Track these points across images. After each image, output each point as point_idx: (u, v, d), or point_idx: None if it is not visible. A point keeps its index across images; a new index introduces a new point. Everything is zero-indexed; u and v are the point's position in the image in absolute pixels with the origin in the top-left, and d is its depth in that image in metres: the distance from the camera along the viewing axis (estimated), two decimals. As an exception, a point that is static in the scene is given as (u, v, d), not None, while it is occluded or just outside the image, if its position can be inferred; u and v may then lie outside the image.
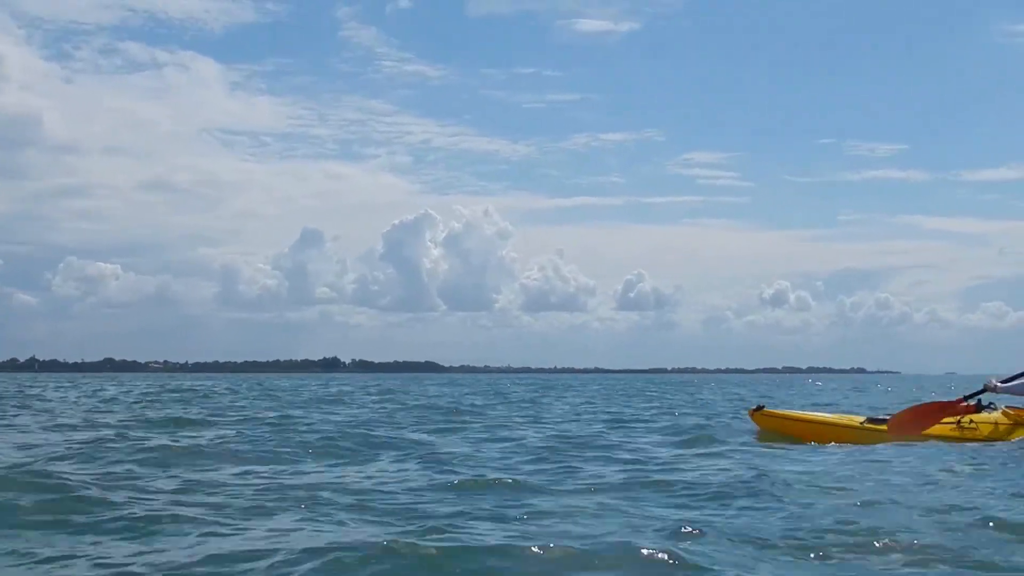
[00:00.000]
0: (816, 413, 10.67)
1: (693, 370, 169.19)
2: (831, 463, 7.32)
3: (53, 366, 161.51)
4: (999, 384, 8.85)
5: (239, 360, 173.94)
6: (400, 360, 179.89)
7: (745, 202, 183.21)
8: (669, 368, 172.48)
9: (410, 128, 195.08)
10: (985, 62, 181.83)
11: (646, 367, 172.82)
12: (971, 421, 8.74)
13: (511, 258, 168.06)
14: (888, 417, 9.39)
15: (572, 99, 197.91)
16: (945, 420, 8.85)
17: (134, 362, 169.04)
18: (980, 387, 9.12)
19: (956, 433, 8.68)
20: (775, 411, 10.06)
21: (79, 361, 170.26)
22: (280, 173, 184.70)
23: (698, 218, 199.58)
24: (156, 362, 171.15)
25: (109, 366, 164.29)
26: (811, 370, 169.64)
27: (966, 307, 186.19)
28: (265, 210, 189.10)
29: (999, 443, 8.43)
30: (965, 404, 8.99)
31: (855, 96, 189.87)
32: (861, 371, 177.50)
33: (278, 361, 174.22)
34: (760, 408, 9.95)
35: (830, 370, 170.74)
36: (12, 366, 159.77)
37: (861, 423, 9.27)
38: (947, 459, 7.41)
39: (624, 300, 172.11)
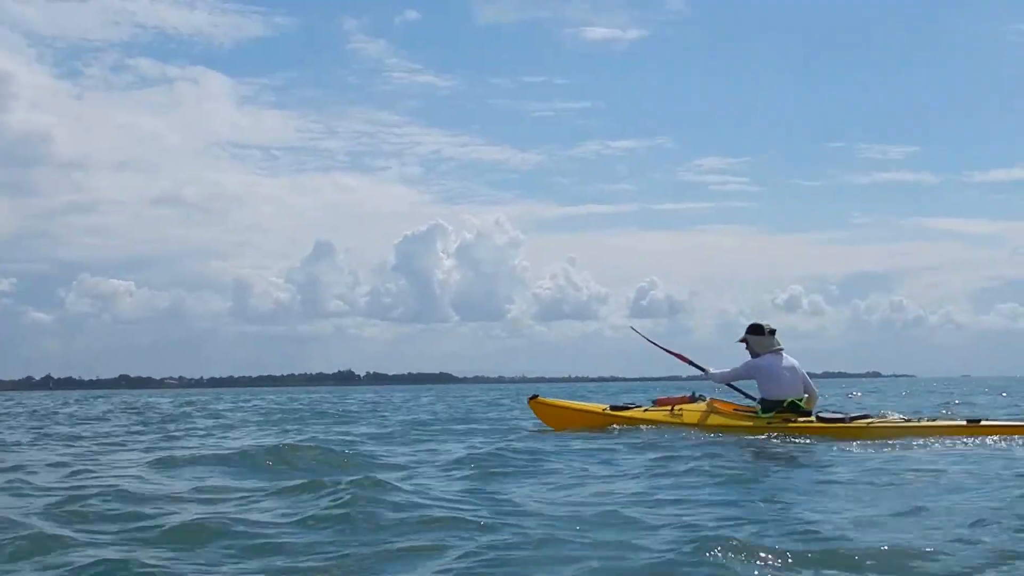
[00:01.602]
0: (580, 403, 11.60)
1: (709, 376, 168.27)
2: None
3: (68, 384, 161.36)
4: (715, 372, 9.93)
5: (254, 375, 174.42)
6: (414, 372, 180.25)
7: (756, 207, 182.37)
8: (684, 376, 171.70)
9: (420, 139, 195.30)
10: (995, 61, 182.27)
11: (661, 375, 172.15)
12: (680, 409, 9.76)
13: (523, 267, 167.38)
14: (629, 405, 10.62)
15: (581, 107, 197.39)
16: (663, 408, 10.00)
17: (149, 378, 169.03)
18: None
19: (667, 418, 9.75)
20: (546, 399, 11.21)
21: (94, 379, 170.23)
22: (290, 186, 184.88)
23: (710, 224, 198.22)
24: (171, 378, 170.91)
25: (124, 383, 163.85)
26: (826, 375, 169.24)
27: (980, 308, 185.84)
28: (276, 223, 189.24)
29: (690, 428, 9.48)
30: (682, 396, 10.11)
31: (864, 98, 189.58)
32: (877, 375, 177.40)
33: (293, 375, 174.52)
34: (535, 397, 11.20)
35: (845, 375, 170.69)
36: (27, 384, 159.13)
37: (603, 410, 10.39)
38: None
39: (637, 307, 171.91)
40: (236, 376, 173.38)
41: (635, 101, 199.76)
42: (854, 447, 7.92)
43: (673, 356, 10.35)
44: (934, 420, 9.35)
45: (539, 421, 11.04)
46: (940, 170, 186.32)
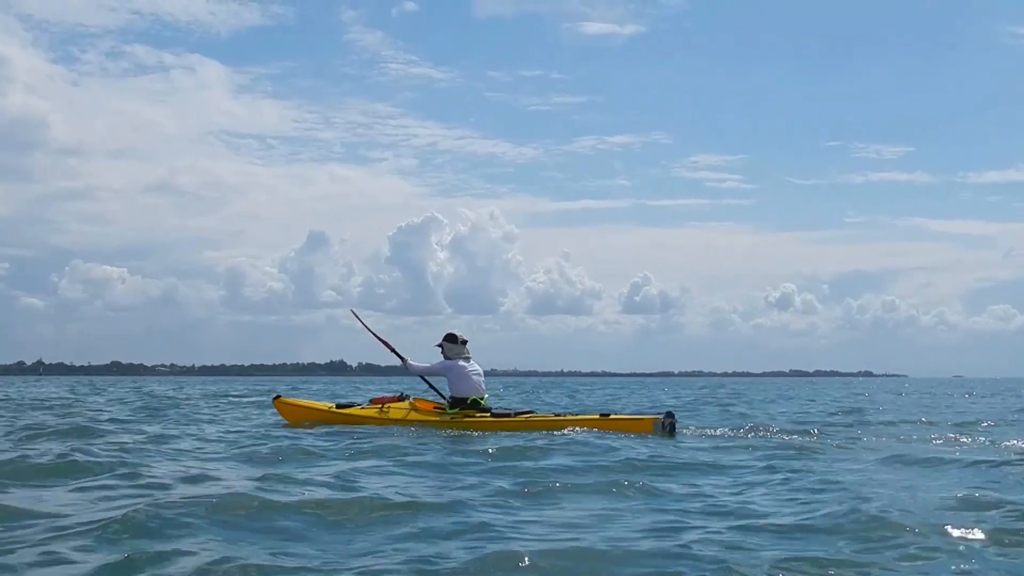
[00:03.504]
0: (312, 402, 12.95)
1: (700, 373, 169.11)
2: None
3: (59, 369, 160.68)
4: (413, 364, 11.47)
5: (245, 363, 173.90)
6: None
7: (751, 205, 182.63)
8: (676, 371, 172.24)
9: (416, 131, 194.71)
10: (991, 64, 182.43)
11: (652, 370, 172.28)
12: (388, 407, 11.24)
13: (517, 261, 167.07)
14: (348, 404, 12.04)
15: (577, 102, 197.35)
16: (376, 406, 11.43)
17: (140, 365, 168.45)
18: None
19: (377, 416, 11.20)
20: (288, 399, 12.58)
21: (85, 364, 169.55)
22: (286, 176, 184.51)
23: (704, 221, 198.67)
24: (163, 365, 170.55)
25: (116, 369, 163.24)
26: (818, 373, 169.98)
27: (972, 310, 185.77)
28: (271, 213, 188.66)
29: (393, 424, 11.01)
30: (393, 396, 11.58)
31: (861, 98, 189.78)
32: (868, 374, 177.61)
33: (284, 364, 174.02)
34: (278, 397, 12.51)
35: (837, 373, 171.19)
36: (19, 369, 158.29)
37: (329, 408, 11.86)
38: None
39: (630, 303, 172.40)
40: (228, 364, 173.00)
41: (631, 96, 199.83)
42: (503, 436, 9.83)
43: (380, 343, 11.66)
44: (576, 415, 11.37)
45: (281, 418, 12.42)
46: (935, 171, 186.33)
